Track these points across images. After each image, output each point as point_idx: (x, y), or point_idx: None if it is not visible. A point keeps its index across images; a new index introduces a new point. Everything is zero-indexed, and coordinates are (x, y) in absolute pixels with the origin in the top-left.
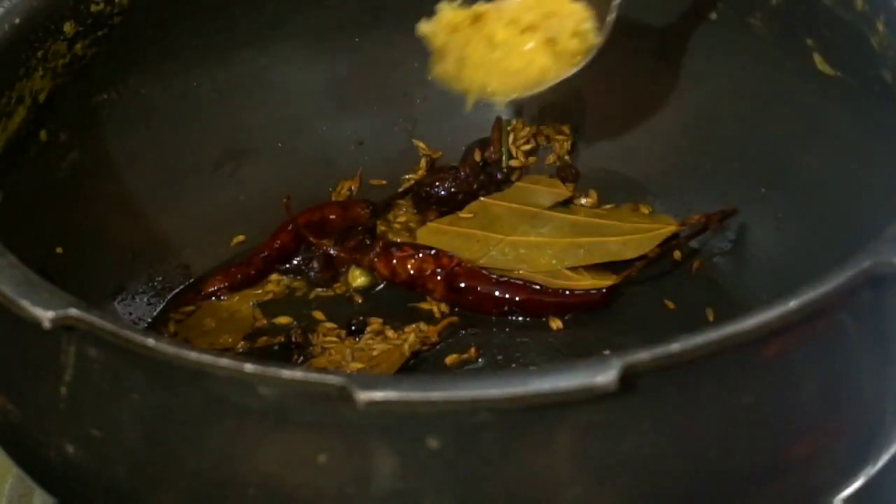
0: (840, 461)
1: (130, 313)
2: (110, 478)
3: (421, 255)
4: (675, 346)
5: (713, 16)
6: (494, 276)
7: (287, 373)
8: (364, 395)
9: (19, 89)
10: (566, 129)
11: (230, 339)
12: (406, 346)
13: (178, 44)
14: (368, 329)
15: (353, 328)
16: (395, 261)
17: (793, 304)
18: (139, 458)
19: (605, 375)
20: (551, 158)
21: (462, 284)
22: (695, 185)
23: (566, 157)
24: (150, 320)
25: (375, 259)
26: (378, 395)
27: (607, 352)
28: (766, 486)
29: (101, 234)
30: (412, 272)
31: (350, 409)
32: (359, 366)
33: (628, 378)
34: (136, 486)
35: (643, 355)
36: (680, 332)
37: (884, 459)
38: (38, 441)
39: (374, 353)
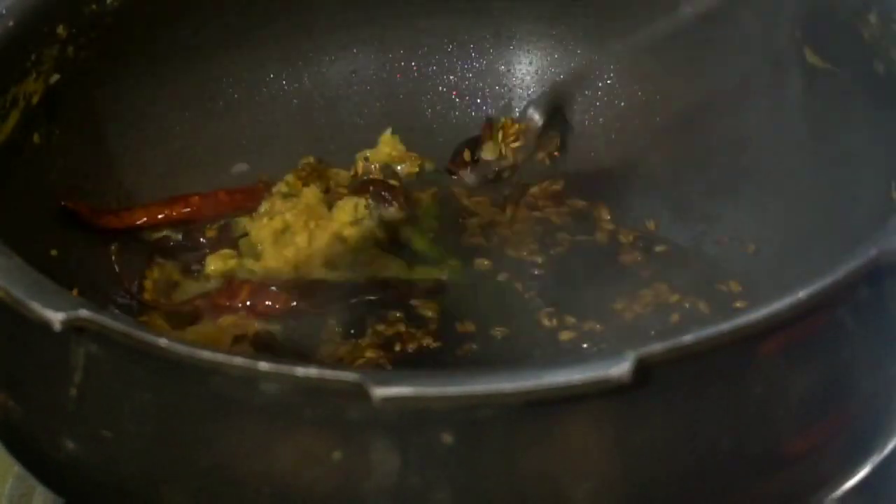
0: (849, 449)
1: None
2: (121, 478)
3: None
4: (687, 338)
5: (702, 10)
6: None
7: (301, 370)
8: (379, 391)
9: (13, 92)
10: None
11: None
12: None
13: (169, 45)
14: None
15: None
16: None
17: (802, 294)
18: (150, 458)
19: (618, 368)
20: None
21: None
22: (688, 180)
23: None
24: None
25: None
26: (393, 390)
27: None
28: (776, 476)
29: (95, 236)
30: None
31: (365, 405)
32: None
33: (642, 370)
34: (147, 487)
35: (656, 347)
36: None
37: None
38: (47, 442)
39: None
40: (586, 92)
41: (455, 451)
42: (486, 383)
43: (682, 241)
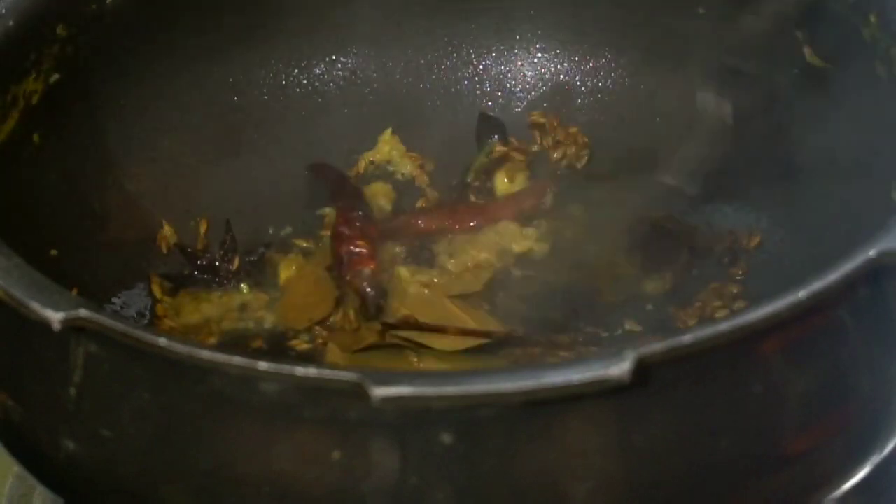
0: (849, 449)
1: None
2: (120, 478)
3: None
4: (687, 338)
5: (701, 10)
6: None
7: (301, 370)
8: (379, 391)
9: (13, 92)
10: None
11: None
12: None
13: (169, 45)
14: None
15: None
16: None
17: (802, 294)
18: (150, 457)
19: (618, 367)
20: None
21: None
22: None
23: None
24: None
25: None
26: (393, 390)
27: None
28: (776, 476)
29: (95, 236)
30: None
31: (364, 405)
32: None
33: (641, 370)
34: (146, 486)
35: (656, 347)
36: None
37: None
38: (46, 442)
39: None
40: (590, 94)
41: (455, 451)
42: (485, 383)
43: None
